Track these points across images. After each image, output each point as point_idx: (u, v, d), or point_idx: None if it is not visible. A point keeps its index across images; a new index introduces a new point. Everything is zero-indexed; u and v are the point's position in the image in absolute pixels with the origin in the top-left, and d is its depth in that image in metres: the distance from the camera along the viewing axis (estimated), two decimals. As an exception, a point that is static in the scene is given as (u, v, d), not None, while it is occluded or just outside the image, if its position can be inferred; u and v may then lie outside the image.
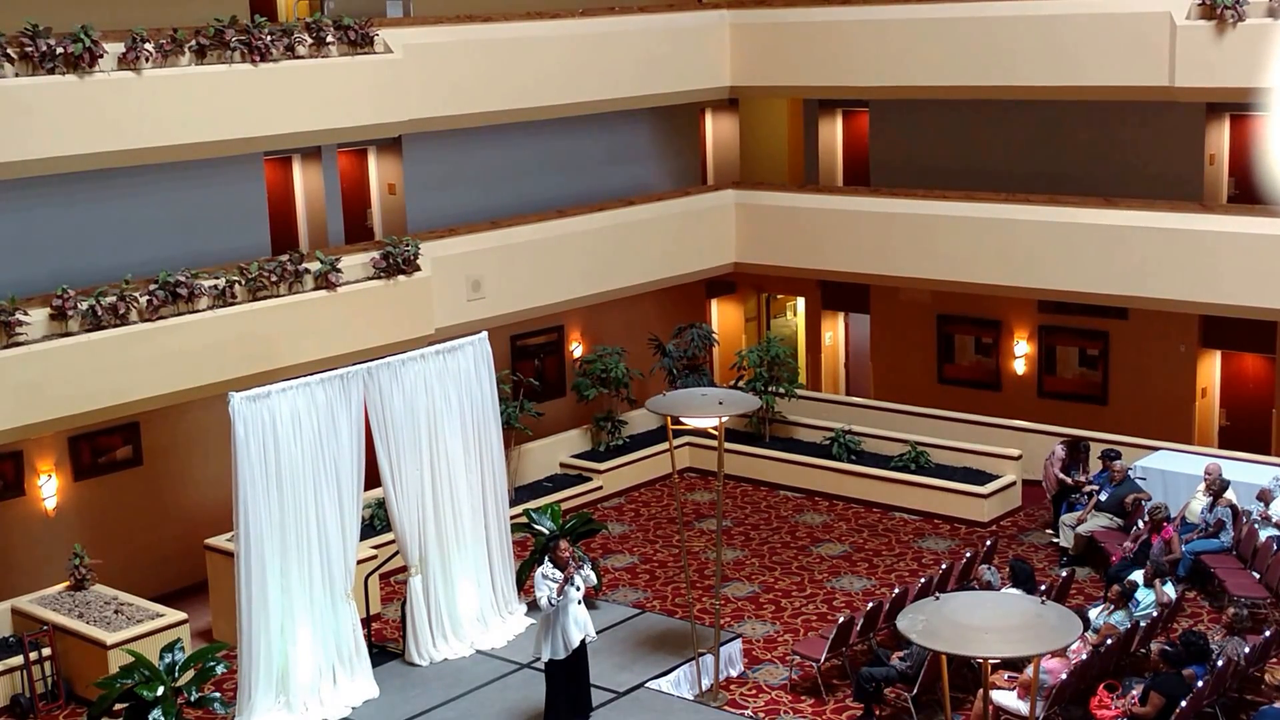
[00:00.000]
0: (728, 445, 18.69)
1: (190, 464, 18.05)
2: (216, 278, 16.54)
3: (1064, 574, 15.83)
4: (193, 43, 16.08)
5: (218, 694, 13.70)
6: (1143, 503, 17.29)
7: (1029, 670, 12.76)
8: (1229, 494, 16.65)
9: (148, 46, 15.67)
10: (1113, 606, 14.52)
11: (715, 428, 14.53)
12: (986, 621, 10.29)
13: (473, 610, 15.47)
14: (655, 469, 21.11)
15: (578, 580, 13.40)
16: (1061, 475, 18.06)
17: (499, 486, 15.84)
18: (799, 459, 20.70)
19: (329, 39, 17.28)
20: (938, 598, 10.73)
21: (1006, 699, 13.38)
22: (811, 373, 24.66)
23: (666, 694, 14.29)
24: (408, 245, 18.17)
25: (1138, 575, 15.07)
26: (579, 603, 13.44)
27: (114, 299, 15.60)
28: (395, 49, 17.95)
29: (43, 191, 16.46)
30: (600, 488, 20.55)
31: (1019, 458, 19.54)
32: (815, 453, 20.78)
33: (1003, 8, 19.49)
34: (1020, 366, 22.33)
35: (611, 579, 17.55)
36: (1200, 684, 12.92)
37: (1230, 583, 15.81)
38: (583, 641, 13.50)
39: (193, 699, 13.28)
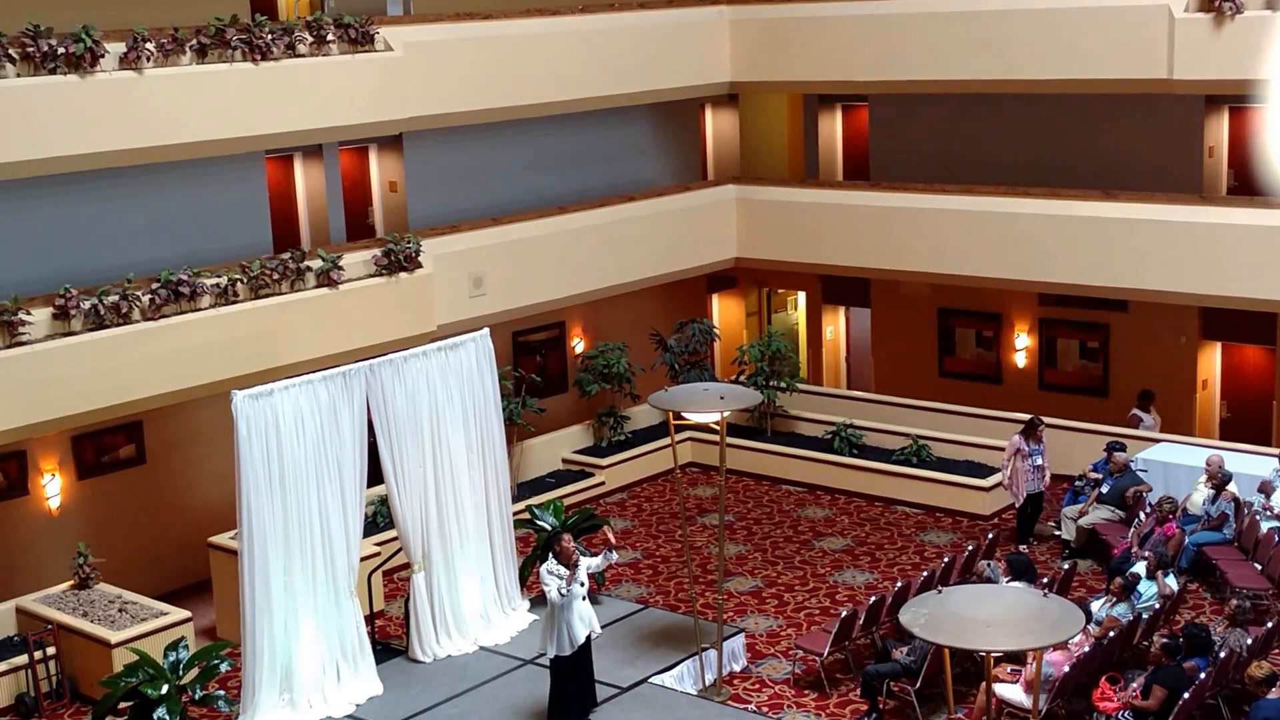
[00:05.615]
0: (729, 440, 18.75)
1: (193, 462, 18.08)
2: (219, 276, 16.56)
3: (1066, 567, 15.86)
4: (194, 42, 16.10)
5: (222, 692, 13.75)
6: (1144, 495, 17.34)
7: (1032, 663, 12.81)
8: (1231, 486, 16.68)
9: (149, 46, 15.69)
10: (1115, 599, 14.56)
11: (717, 423, 14.56)
12: (989, 615, 10.30)
13: (476, 606, 15.49)
14: (657, 464, 21.15)
15: (581, 573, 13.43)
16: (1022, 447, 17.57)
17: (501, 482, 15.86)
18: (801, 453, 20.73)
19: (329, 37, 17.30)
20: (940, 591, 10.75)
21: (1009, 692, 13.41)
22: (813, 367, 24.70)
23: (670, 689, 14.31)
24: (409, 242, 18.20)
25: (1140, 568, 15.10)
26: (583, 599, 13.48)
27: (116, 298, 15.63)
28: (396, 47, 17.96)
29: (45, 191, 16.48)
30: (603, 483, 20.57)
31: (1020, 451, 19.57)
32: (817, 447, 20.80)
33: (1002, 1, 19.48)
34: (1021, 359, 22.37)
35: (614, 574, 17.58)
36: (1202, 676, 12.96)
37: (1232, 575, 15.84)
38: (587, 638, 13.52)
39: (197, 697, 13.32)
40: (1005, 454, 17.95)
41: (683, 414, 14.61)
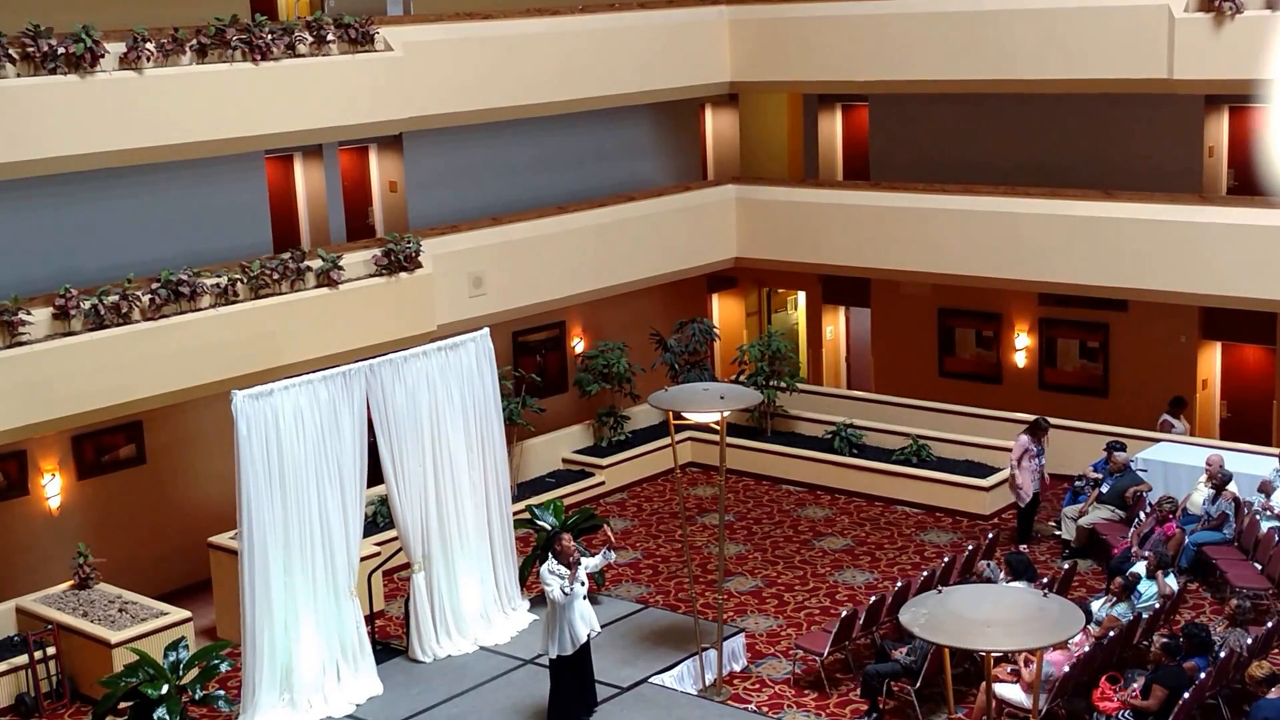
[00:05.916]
0: (729, 440, 18.74)
1: (193, 462, 18.08)
2: (219, 276, 16.56)
3: (1066, 567, 15.86)
4: (194, 42, 16.10)
5: (222, 692, 13.75)
6: (1144, 495, 17.33)
7: (1030, 664, 12.81)
8: (1231, 486, 16.68)
9: (149, 46, 15.70)
10: (1115, 599, 14.56)
11: (717, 423, 14.56)
12: (989, 615, 10.31)
13: (476, 606, 15.49)
14: (657, 464, 21.15)
15: (582, 573, 13.42)
16: (1030, 448, 17.55)
17: (501, 482, 15.86)
18: (801, 453, 20.72)
19: (329, 37, 17.30)
20: (940, 591, 10.75)
21: (1009, 692, 13.40)
22: (813, 367, 24.70)
23: (670, 689, 14.31)
24: (409, 242, 18.20)
25: (1140, 567, 15.10)
26: (584, 598, 13.48)
27: (116, 298, 15.63)
28: (395, 47, 17.96)
29: (45, 191, 16.48)
30: (603, 483, 20.57)
31: (1020, 451, 19.56)
32: (817, 447, 20.80)
33: (1003, 1, 19.48)
34: (1021, 359, 22.36)
35: (614, 574, 17.58)
36: (1202, 676, 12.96)
37: (1232, 574, 15.84)
38: (587, 637, 13.52)
39: (197, 697, 13.32)
40: (1013, 454, 17.87)
41: (683, 414, 14.61)
